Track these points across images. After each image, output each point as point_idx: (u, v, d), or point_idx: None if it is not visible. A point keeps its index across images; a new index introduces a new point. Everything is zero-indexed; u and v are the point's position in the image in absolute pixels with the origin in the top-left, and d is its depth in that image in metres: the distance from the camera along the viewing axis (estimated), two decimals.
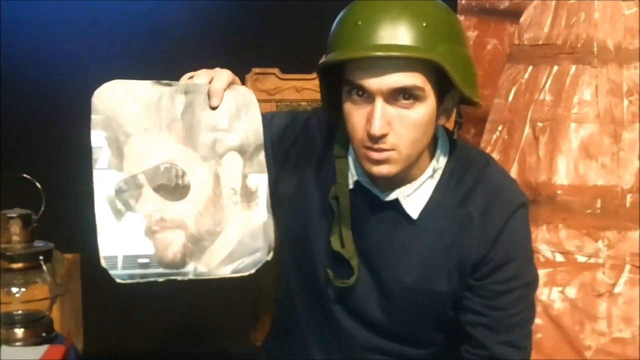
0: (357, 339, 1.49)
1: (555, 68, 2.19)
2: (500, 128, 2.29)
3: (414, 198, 1.39)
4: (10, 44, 2.91)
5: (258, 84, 1.87)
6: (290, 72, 1.90)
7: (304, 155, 1.46)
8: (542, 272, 2.07)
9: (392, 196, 1.39)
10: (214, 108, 1.21)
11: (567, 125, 2.13)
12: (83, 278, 3.19)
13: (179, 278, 1.18)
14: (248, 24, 2.95)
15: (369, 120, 1.27)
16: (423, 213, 1.40)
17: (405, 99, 1.26)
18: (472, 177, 1.40)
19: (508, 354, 1.40)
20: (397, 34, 1.24)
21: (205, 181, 1.15)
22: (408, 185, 1.39)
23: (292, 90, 1.88)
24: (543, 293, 2.07)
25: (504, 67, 2.39)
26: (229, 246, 1.17)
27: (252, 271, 1.18)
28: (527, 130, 2.20)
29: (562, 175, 2.11)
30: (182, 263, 1.14)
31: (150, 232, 1.12)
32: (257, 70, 1.88)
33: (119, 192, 1.11)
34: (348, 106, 1.30)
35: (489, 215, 1.38)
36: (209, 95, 1.22)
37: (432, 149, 1.39)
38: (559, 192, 2.11)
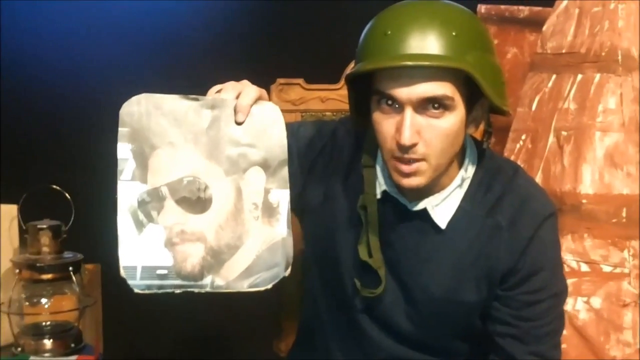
0: (383, 349, 1.48)
1: (579, 77, 2.18)
2: (524, 137, 2.28)
3: (442, 208, 1.39)
4: (19, 48, 2.93)
5: (283, 94, 1.88)
6: (315, 82, 1.90)
7: (331, 164, 1.46)
8: (567, 282, 2.05)
9: (420, 206, 1.39)
10: (239, 123, 1.22)
11: (592, 134, 2.12)
12: (103, 289, 3.20)
13: (196, 290, 1.19)
14: (273, 34, 2.96)
15: (398, 129, 1.27)
16: (451, 223, 1.40)
17: (435, 108, 1.26)
18: (501, 187, 1.40)
19: None
20: (427, 43, 1.24)
21: (227, 195, 1.16)
22: (436, 195, 1.38)
23: (317, 100, 1.89)
24: (568, 303, 2.05)
25: (526, 75, 2.38)
26: (247, 260, 1.17)
27: (269, 286, 1.19)
28: (552, 139, 2.19)
29: (587, 184, 2.10)
30: (200, 275, 1.15)
31: (170, 244, 1.14)
32: (281, 80, 1.88)
33: (141, 203, 1.13)
34: (377, 116, 1.31)
35: (518, 225, 1.38)
36: (235, 111, 1.23)
37: (460, 159, 1.39)
38: (584, 201, 2.10)
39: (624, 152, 2.09)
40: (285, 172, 1.22)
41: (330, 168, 1.46)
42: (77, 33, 2.99)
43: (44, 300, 1.59)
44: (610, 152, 2.10)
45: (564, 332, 2.01)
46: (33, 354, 1.56)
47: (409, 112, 1.26)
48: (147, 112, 1.15)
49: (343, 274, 1.46)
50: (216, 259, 1.15)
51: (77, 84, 2.93)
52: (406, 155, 1.28)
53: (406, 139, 1.26)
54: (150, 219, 1.13)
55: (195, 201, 1.14)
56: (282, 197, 1.20)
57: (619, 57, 2.13)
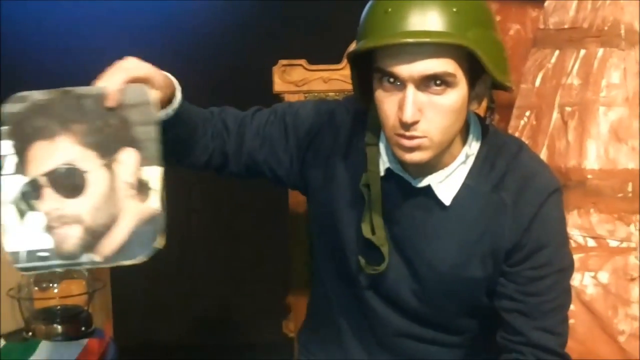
0: (390, 325, 1.49)
1: (583, 52, 2.17)
2: (527, 114, 2.28)
3: (446, 184, 1.39)
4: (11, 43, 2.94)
5: (285, 75, 1.88)
6: (317, 63, 1.90)
7: (331, 144, 1.47)
8: (574, 258, 2.05)
9: (424, 182, 1.39)
10: (110, 109, 1.23)
11: (596, 109, 2.12)
12: (112, 273, 3.22)
13: (77, 268, 1.35)
14: (275, 16, 2.96)
15: (400, 107, 1.27)
16: (456, 199, 1.40)
17: (437, 85, 1.27)
18: (505, 163, 1.40)
19: (544, 340, 1.40)
20: (427, 20, 1.24)
21: (102, 178, 1.22)
22: (440, 172, 1.39)
23: (319, 81, 1.89)
24: (575, 278, 2.05)
25: (529, 52, 2.37)
26: (123, 237, 1.23)
27: (145, 259, 1.24)
28: (556, 115, 2.18)
29: (592, 160, 2.10)
30: (79, 254, 1.21)
31: (49, 228, 1.21)
32: (284, 62, 1.88)
33: (23, 194, 1.21)
34: (379, 93, 1.31)
35: (522, 201, 1.38)
36: (104, 97, 1.24)
37: (464, 135, 1.39)
38: (589, 176, 2.10)
39: (629, 126, 2.09)
40: (155, 149, 1.25)
41: (329, 148, 1.47)
42: (77, 31, 3.01)
43: (52, 285, 1.60)
44: (614, 127, 2.10)
45: (572, 307, 2.03)
46: (44, 338, 1.57)
47: (410, 89, 1.26)
48: (26, 109, 1.22)
49: (348, 252, 1.47)
50: (93, 237, 1.21)
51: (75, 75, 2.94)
52: (408, 133, 1.28)
53: (408, 116, 1.26)
54: (31, 207, 1.21)
55: (72, 187, 1.21)
56: (153, 174, 1.24)
57: (622, 32, 2.13)
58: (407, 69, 1.25)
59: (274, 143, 1.48)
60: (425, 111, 1.27)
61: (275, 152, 1.49)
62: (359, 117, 1.45)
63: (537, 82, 2.28)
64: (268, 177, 1.52)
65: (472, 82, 1.30)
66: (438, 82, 1.26)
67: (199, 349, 3.23)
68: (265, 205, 2.37)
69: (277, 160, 1.49)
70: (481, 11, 1.29)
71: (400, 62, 1.26)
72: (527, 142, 2.23)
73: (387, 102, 1.30)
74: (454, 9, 1.24)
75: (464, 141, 1.40)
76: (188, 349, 3.24)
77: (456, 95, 1.28)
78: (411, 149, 1.31)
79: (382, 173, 1.41)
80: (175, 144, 1.39)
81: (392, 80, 1.28)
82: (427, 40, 1.24)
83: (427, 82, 1.26)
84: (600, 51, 2.15)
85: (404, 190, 1.41)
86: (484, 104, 1.42)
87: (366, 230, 1.42)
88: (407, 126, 1.28)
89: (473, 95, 1.33)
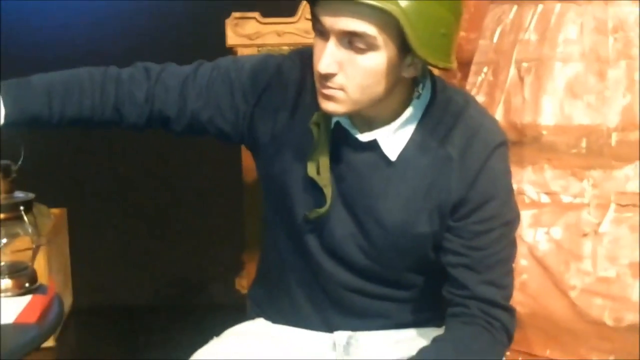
0: (338, 281, 1.49)
1: (540, 7, 2.15)
2: (485, 70, 2.26)
3: (392, 139, 1.39)
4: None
5: (238, 28, 1.85)
6: (270, 16, 1.88)
7: (278, 98, 1.45)
8: (527, 213, 2.06)
9: (370, 137, 1.39)
10: None
11: (552, 65, 2.10)
12: (71, 234, 3.21)
13: None
14: None
15: (319, 57, 1.29)
16: (402, 155, 1.39)
17: (359, 44, 1.27)
18: (452, 118, 1.40)
19: (490, 293, 1.40)
20: None
21: None
22: (387, 127, 1.38)
23: (273, 34, 1.87)
24: (528, 234, 2.06)
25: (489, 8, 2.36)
26: None
27: None
28: (513, 71, 2.17)
29: (548, 116, 2.09)
30: None
31: None
32: (237, 14, 1.86)
33: None
34: (314, 40, 1.33)
35: (468, 155, 1.38)
36: None
37: (410, 90, 1.38)
38: (544, 132, 2.09)
39: (584, 82, 2.08)
40: None
41: (278, 102, 1.45)
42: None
43: None
44: (570, 83, 2.09)
45: (524, 262, 2.05)
46: None
47: (331, 42, 1.28)
48: None
49: (294, 202, 1.46)
50: None
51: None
52: (325, 82, 1.30)
53: (322, 67, 1.28)
54: None
55: None
56: None
57: None
58: (330, 21, 1.27)
59: (219, 100, 1.46)
60: (344, 66, 1.29)
61: (220, 109, 1.47)
62: (307, 70, 1.43)
63: (495, 38, 2.26)
64: (213, 134, 1.50)
65: (403, 50, 1.28)
66: (361, 41, 1.26)
67: (157, 309, 3.24)
68: (219, 162, 2.36)
69: (222, 117, 1.47)
70: None
71: (327, 13, 1.27)
72: (483, 98, 2.23)
73: (315, 49, 1.32)
74: None
75: (411, 97, 1.38)
76: (146, 309, 3.25)
77: (377, 58, 1.28)
78: (327, 97, 1.32)
79: (331, 126, 1.41)
80: (76, 122, 1.45)
81: (320, 29, 1.29)
82: None
83: (349, 38, 1.27)
84: (558, 6, 2.13)
85: (351, 145, 1.41)
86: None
87: (311, 170, 1.41)
88: (323, 77, 1.29)
89: (407, 63, 1.31)
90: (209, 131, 1.49)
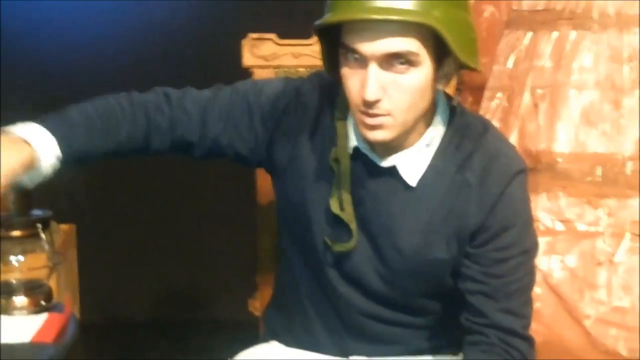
0: (355, 307, 1.48)
1: (555, 34, 2.16)
2: (499, 95, 2.27)
3: (412, 165, 1.38)
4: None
5: (255, 49, 1.85)
6: (287, 37, 1.88)
7: (297, 122, 1.45)
8: (541, 241, 2.04)
9: (390, 162, 1.38)
10: None
11: (567, 92, 2.11)
12: (79, 250, 3.21)
13: None
14: None
15: (363, 85, 1.26)
16: (421, 180, 1.39)
17: (400, 64, 1.26)
18: (471, 144, 1.39)
19: (507, 322, 1.39)
20: None
21: None
22: (406, 151, 1.38)
23: (289, 56, 1.87)
24: (542, 262, 2.06)
25: (502, 33, 2.36)
26: None
27: None
28: (527, 97, 2.17)
29: (562, 143, 2.09)
30: None
31: None
32: (253, 35, 1.86)
33: None
34: (345, 70, 1.30)
35: (487, 181, 1.37)
36: None
37: (430, 115, 1.38)
38: (559, 160, 2.09)
39: (599, 110, 2.09)
40: None
41: (295, 127, 1.45)
42: (77, 31, 3.00)
43: (13, 258, 1.58)
44: (585, 111, 2.10)
45: (538, 290, 2.04)
46: (3, 312, 1.55)
47: (373, 67, 1.25)
48: None
49: (314, 231, 1.45)
50: None
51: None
52: (370, 111, 1.28)
53: (369, 95, 1.25)
54: None
55: None
56: None
57: (595, 15, 2.12)
58: (370, 47, 1.24)
59: (238, 123, 1.46)
60: (388, 90, 1.26)
61: (239, 133, 1.46)
62: (326, 93, 1.44)
63: (510, 64, 2.27)
64: (231, 158, 1.50)
65: (438, 62, 1.29)
66: (401, 60, 1.25)
67: (164, 326, 3.23)
68: (233, 181, 2.36)
69: (241, 140, 1.46)
70: None
71: (363, 39, 1.24)
72: (498, 124, 2.23)
73: (352, 79, 1.29)
74: None
75: (430, 121, 1.38)
76: (154, 325, 3.23)
77: (420, 74, 1.27)
78: (374, 127, 1.30)
79: (349, 151, 1.40)
80: (114, 154, 1.44)
81: (356, 56, 1.27)
82: (390, 17, 1.22)
83: (390, 60, 1.25)
84: (573, 34, 2.14)
85: (370, 170, 1.40)
86: (453, 82, 1.40)
87: (335, 206, 1.41)
88: (369, 104, 1.27)
89: (440, 75, 1.32)
90: (228, 155, 1.49)
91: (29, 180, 1.33)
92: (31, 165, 1.31)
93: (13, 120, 1.35)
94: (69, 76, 2.99)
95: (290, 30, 1.88)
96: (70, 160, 1.37)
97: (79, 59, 3.06)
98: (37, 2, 3.04)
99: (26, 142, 1.31)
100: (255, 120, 1.45)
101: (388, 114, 1.28)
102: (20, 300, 1.56)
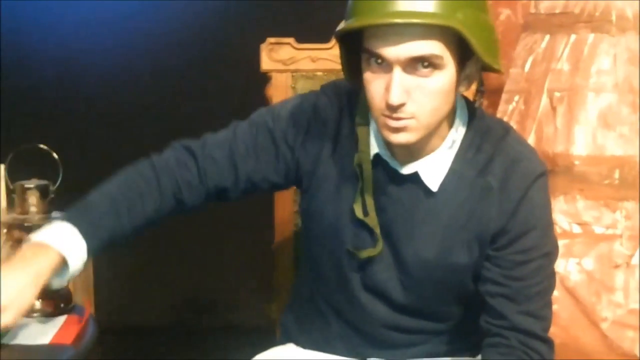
0: (376, 315, 1.48)
1: (573, 37, 2.16)
2: (516, 98, 2.27)
3: (433, 170, 1.38)
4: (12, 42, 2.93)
5: (273, 53, 1.86)
6: (305, 41, 1.88)
7: (319, 136, 1.44)
8: (559, 244, 2.04)
9: (411, 169, 1.38)
10: None
11: (585, 95, 2.11)
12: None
13: None
14: None
15: (387, 89, 1.26)
16: (442, 185, 1.39)
17: (424, 67, 1.25)
18: (491, 147, 1.39)
19: (528, 324, 1.39)
20: (415, 0, 1.22)
21: None
22: (427, 157, 1.37)
23: (307, 60, 1.87)
24: (560, 265, 2.05)
25: (519, 37, 2.36)
26: None
27: None
28: (545, 100, 2.17)
29: (580, 146, 2.09)
30: None
31: None
32: (272, 40, 1.86)
33: None
34: (367, 75, 1.29)
35: (508, 185, 1.37)
36: None
37: (451, 119, 1.38)
38: (576, 162, 2.09)
39: (617, 113, 2.08)
40: None
41: (318, 141, 1.44)
42: (77, 31, 3.00)
43: None
44: (603, 113, 2.09)
45: (556, 293, 2.03)
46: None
47: (397, 71, 1.25)
48: None
49: (338, 239, 1.44)
50: None
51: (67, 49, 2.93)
52: (394, 114, 1.27)
53: (394, 99, 1.25)
54: None
55: None
56: None
57: (613, 18, 2.12)
58: (394, 51, 1.24)
59: (266, 154, 1.44)
60: (412, 93, 1.26)
61: (269, 163, 1.45)
62: (344, 102, 1.43)
63: (527, 67, 2.27)
64: (267, 190, 1.50)
65: (461, 64, 1.29)
66: (425, 64, 1.25)
67: (180, 331, 3.23)
68: None
69: (273, 171, 1.45)
70: None
71: (386, 44, 1.24)
72: (515, 126, 2.22)
73: (375, 84, 1.28)
74: None
75: (451, 125, 1.38)
76: (170, 330, 3.24)
77: (444, 77, 1.27)
78: (397, 130, 1.29)
79: (370, 158, 1.40)
80: (147, 227, 1.45)
81: (380, 61, 1.26)
82: (414, 21, 1.22)
83: (414, 64, 1.25)
84: (591, 37, 2.14)
85: (391, 177, 1.40)
86: (473, 86, 1.40)
87: (359, 212, 1.40)
88: (393, 108, 1.26)
89: (462, 77, 1.31)
90: (263, 188, 1.47)
91: (59, 282, 1.35)
92: (59, 268, 1.31)
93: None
94: (73, 79, 2.99)
95: (309, 34, 1.89)
96: (100, 249, 1.37)
97: (88, 65, 3.05)
98: (36, 2, 3.04)
99: (52, 247, 1.30)
100: (281, 145, 1.44)
101: (412, 117, 1.28)
102: (38, 302, 1.56)
